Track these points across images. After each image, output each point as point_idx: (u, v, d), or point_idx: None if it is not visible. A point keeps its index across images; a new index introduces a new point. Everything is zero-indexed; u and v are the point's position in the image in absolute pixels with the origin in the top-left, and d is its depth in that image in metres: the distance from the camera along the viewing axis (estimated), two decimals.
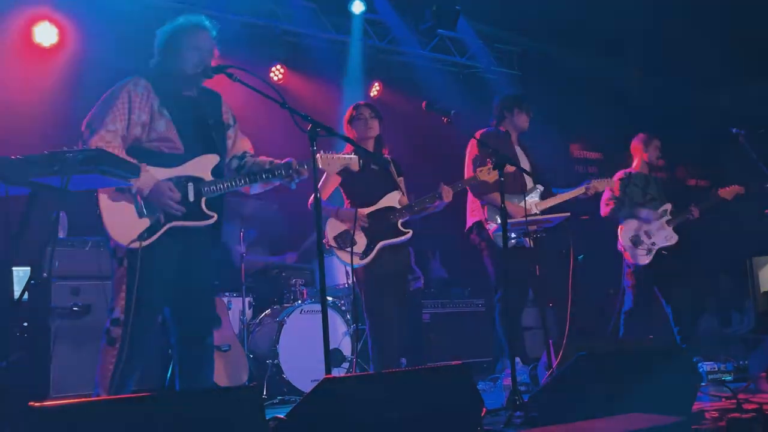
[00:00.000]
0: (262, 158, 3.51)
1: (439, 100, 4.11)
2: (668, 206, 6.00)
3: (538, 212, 5.00)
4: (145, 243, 3.06)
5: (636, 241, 5.86)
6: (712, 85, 8.52)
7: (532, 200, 5.05)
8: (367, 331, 4.48)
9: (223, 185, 3.27)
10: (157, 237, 3.11)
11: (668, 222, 5.94)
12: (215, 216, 3.24)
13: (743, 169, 6.84)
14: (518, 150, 5.29)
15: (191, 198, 3.19)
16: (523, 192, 5.02)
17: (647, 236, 5.87)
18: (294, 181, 3.38)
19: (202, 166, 3.26)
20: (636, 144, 6.21)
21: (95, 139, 3.03)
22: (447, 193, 4.43)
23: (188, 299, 3.29)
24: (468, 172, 4.99)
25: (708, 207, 6.09)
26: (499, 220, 4.64)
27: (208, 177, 3.26)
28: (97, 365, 3.11)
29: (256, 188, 3.46)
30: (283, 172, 3.34)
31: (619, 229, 5.96)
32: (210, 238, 3.34)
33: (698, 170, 11.15)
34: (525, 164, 5.22)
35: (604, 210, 5.98)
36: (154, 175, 3.11)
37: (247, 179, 3.34)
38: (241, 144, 3.56)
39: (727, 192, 6.09)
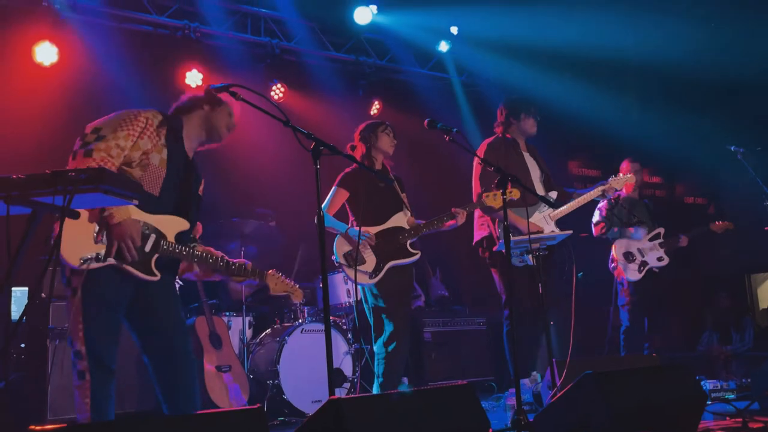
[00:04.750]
0: (211, 250, 3.42)
1: (439, 117, 4.09)
2: (661, 230, 6.20)
3: (552, 223, 4.98)
4: (90, 267, 2.97)
5: (629, 257, 6.05)
6: (708, 104, 8.57)
7: (545, 212, 5.01)
8: (374, 350, 4.45)
9: (180, 251, 3.23)
10: (102, 266, 3.02)
11: (660, 245, 6.13)
12: (158, 276, 3.17)
13: (741, 187, 6.87)
14: (527, 157, 5.18)
15: (147, 249, 3.13)
16: (536, 204, 4.93)
17: (640, 254, 6.07)
18: (243, 282, 3.44)
19: (171, 226, 3.22)
20: (624, 168, 6.36)
21: (101, 146, 2.98)
22: (462, 216, 4.45)
23: (148, 328, 3.22)
24: (475, 189, 4.97)
25: (697, 236, 6.33)
26: (511, 235, 4.63)
27: (171, 238, 3.21)
28: (75, 399, 3.01)
29: (198, 271, 3.41)
30: (234, 269, 3.36)
31: (612, 247, 6.15)
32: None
33: (697, 188, 11.17)
34: (535, 171, 5.15)
35: (595, 230, 6.19)
36: (129, 210, 3.05)
37: (204, 258, 3.30)
38: (197, 227, 3.51)
39: (718, 227, 6.36)
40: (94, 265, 2.99)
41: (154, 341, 3.23)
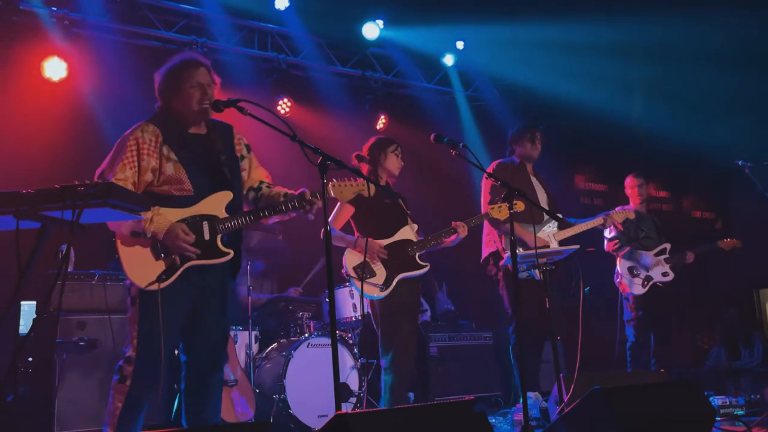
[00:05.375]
0: (278, 189, 3.50)
1: (445, 132, 4.12)
2: (667, 245, 6.22)
3: (556, 242, 5.03)
4: (162, 285, 3.09)
5: (632, 272, 6.06)
6: (717, 118, 8.57)
7: (551, 230, 5.10)
8: (383, 365, 4.44)
9: (238, 221, 3.28)
10: (175, 278, 3.14)
11: (666, 260, 6.14)
12: (231, 253, 3.27)
13: (749, 202, 6.86)
14: (534, 180, 5.35)
15: (206, 236, 3.21)
16: (542, 222, 5.05)
17: (644, 269, 6.08)
18: (310, 212, 3.38)
19: (216, 203, 3.28)
20: (628, 185, 6.43)
21: None
22: (463, 229, 4.48)
23: (201, 336, 3.30)
24: (484, 205, 5.03)
25: (703, 253, 6.35)
26: (519, 250, 4.67)
27: (223, 214, 3.27)
28: (108, 403, 3.12)
29: (273, 219, 3.44)
30: (296, 203, 3.34)
31: (617, 260, 6.16)
32: (228, 271, 3.37)
33: (704, 202, 11.15)
34: (542, 195, 5.29)
35: (608, 245, 6.20)
36: (167, 217, 3.14)
37: (261, 214, 3.34)
38: (256, 174, 3.55)
39: (726, 244, 6.36)
40: (167, 282, 3.11)
41: (198, 343, 3.31)
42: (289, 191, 3.44)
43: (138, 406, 3.11)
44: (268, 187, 3.54)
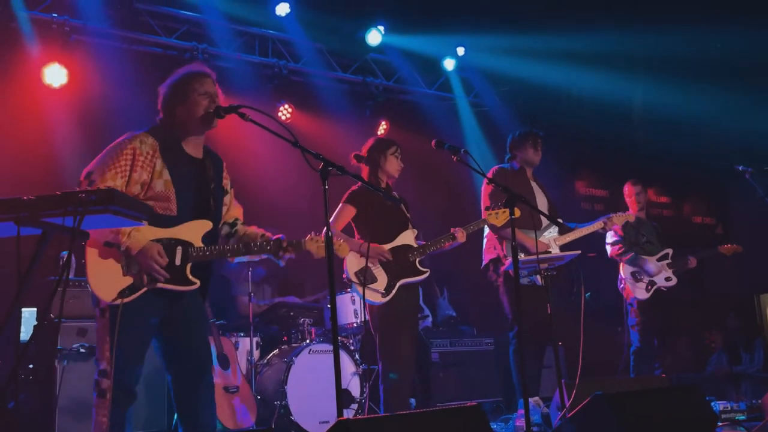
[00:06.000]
0: (253, 229, 3.51)
1: (446, 137, 4.12)
2: (669, 251, 6.24)
3: (557, 247, 5.03)
4: (126, 300, 3.04)
5: (636, 276, 6.07)
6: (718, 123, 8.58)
7: (551, 236, 5.10)
8: (379, 370, 4.43)
9: (212, 252, 3.25)
10: (139, 295, 3.10)
11: (669, 265, 6.16)
12: (198, 283, 3.22)
13: (749, 207, 6.86)
14: (534, 185, 5.35)
15: (177, 262, 3.16)
16: (542, 227, 5.05)
17: (648, 274, 6.09)
18: (281, 259, 3.41)
19: (194, 231, 3.24)
20: (626, 193, 6.45)
21: None
22: (461, 235, 4.47)
23: (178, 344, 3.26)
24: (484, 210, 5.02)
25: (705, 258, 6.40)
26: (521, 255, 4.66)
27: (198, 243, 3.23)
28: (92, 420, 3.06)
29: (243, 259, 3.44)
30: (272, 248, 3.36)
31: (620, 266, 6.16)
32: (198, 292, 3.31)
33: (705, 208, 11.15)
34: (542, 200, 5.29)
35: (612, 250, 6.20)
36: (144, 234, 3.09)
37: (236, 249, 3.33)
38: (234, 211, 3.55)
39: (727, 249, 6.41)
40: (130, 297, 3.06)
41: (180, 358, 3.27)
42: (267, 233, 3.45)
43: (123, 418, 3.07)
44: (242, 224, 3.54)
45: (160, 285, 3.11)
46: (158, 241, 3.13)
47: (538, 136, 5.39)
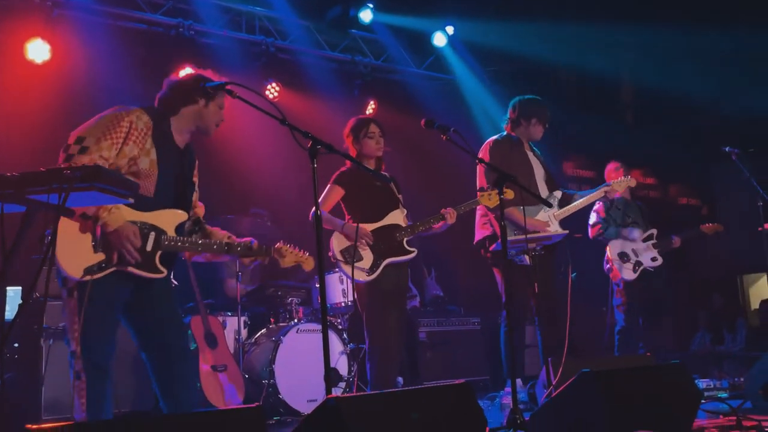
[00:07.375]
0: (217, 230, 3.47)
1: (436, 116, 4.08)
2: (654, 231, 6.29)
3: (557, 223, 4.99)
4: (95, 277, 2.98)
5: (623, 257, 6.10)
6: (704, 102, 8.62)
7: (551, 210, 5.01)
8: (366, 349, 4.44)
9: (182, 243, 3.23)
10: (107, 274, 3.04)
11: (654, 245, 6.21)
12: (165, 272, 3.19)
13: (735, 188, 6.91)
14: (531, 156, 5.18)
15: (148, 248, 3.13)
16: (538, 203, 4.93)
17: (634, 254, 6.13)
18: (253, 263, 3.44)
19: (169, 219, 3.21)
20: (610, 172, 6.38)
21: (84, 160, 2.94)
22: (451, 216, 4.45)
23: (147, 328, 3.24)
24: (478, 192, 4.95)
25: (689, 238, 6.45)
26: (515, 234, 4.65)
27: (171, 232, 3.20)
28: (74, 402, 3.01)
29: (206, 255, 3.42)
30: (241, 250, 3.37)
31: (607, 248, 6.19)
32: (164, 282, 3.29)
33: (690, 189, 11.22)
34: (539, 171, 5.16)
35: (591, 231, 6.24)
36: (122, 214, 3.04)
37: (208, 245, 3.32)
38: (197, 209, 3.51)
39: (709, 228, 6.47)
40: (98, 275, 3.00)
41: (152, 338, 3.24)
42: (233, 237, 3.44)
43: (101, 396, 3.03)
44: (205, 223, 3.51)
45: (129, 268, 3.06)
46: (135, 222, 3.09)
47: (548, 113, 5.19)
